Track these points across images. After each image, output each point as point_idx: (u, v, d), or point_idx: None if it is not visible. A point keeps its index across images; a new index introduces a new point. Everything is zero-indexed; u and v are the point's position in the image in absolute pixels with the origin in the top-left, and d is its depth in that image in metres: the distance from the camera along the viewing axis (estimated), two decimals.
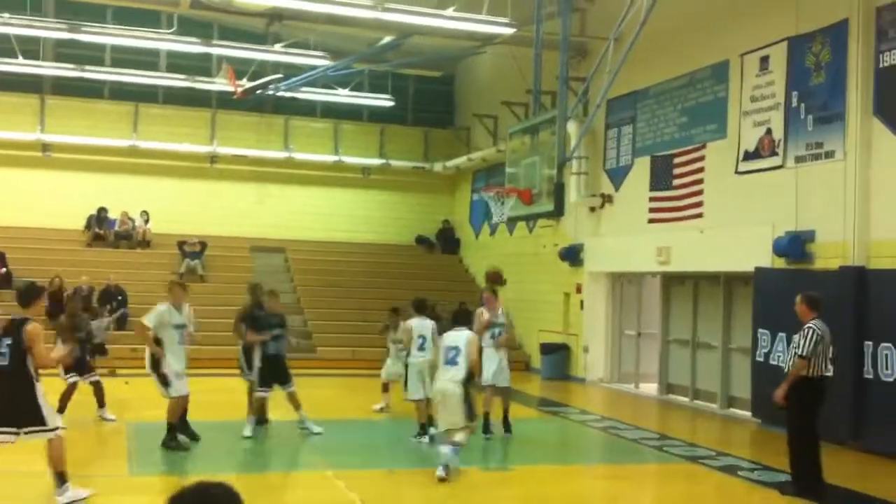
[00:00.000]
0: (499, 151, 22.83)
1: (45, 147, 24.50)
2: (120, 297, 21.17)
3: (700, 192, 16.30)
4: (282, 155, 26.21)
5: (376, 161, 27.11)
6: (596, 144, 19.74)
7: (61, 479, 7.97)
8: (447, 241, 27.62)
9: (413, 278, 25.07)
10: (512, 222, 22.40)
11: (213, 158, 25.84)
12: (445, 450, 9.65)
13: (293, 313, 21.50)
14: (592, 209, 19.73)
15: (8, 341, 7.81)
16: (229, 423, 12.34)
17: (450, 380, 9.81)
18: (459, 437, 9.73)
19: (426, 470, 10.73)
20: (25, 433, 7.82)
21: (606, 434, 13.71)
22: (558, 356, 20.71)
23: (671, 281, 17.99)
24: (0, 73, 23.61)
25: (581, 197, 19.68)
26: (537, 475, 10.61)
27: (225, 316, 20.86)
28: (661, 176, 17.41)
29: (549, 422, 15.22)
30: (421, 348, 11.89)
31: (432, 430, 11.45)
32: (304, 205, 26.49)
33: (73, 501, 7.94)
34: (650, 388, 18.24)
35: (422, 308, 12.31)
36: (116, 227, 24.40)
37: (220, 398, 14.42)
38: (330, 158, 26.70)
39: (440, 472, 9.48)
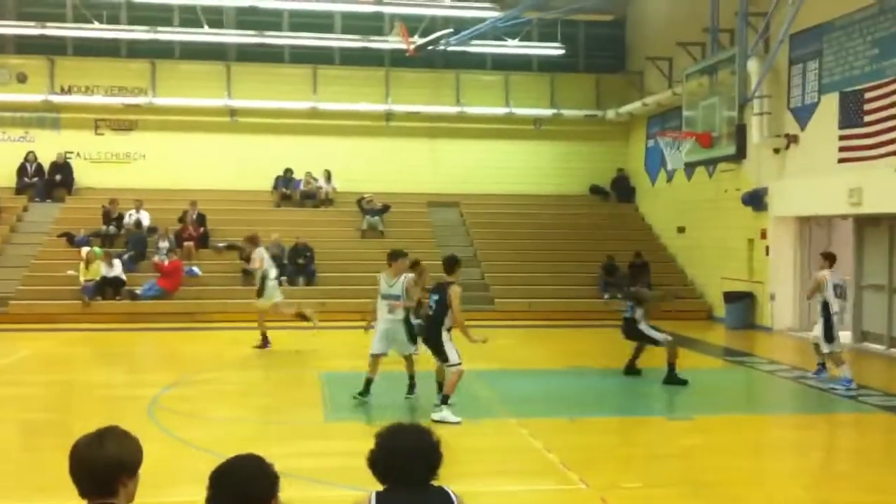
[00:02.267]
0: (674, 94, 22.17)
1: (233, 112, 25.77)
2: (308, 254, 22.17)
3: (895, 129, 15.27)
4: (454, 110, 26.43)
5: (547, 111, 26.88)
6: (779, 82, 18.80)
7: (444, 400, 10.16)
8: (622, 189, 27.16)
9: (588, 228, 24.93)
10: (690, 167, 21.83)
11: (389, 116, 26.40)
12: None
13: (470, 266, 21.84)
14: (776, 151, 18.86)
15: (436, 297, 10.27)
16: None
17: None
18: None
19: (607, 418, 10.76)
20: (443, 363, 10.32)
21: (796, 384, 13.25)
22: (742, 304, 20.08)
23: (864, 223, 17.04)
24: (188, 42, 25.09)
25: (764, 138, 18.84)
26: (722, 424, 10.43)
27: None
28: (852, 113, 16.41)
29: (735, 371, 14.85)
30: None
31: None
32: (477, 159, 26.66)
33: (444, 421, 9.75)
34: (842, 336, 17.37)
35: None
36: (301, 187, 25.45)
37: None
38: (501, 111, 26.71)
39: None
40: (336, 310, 19.26)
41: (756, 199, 19.55)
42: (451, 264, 10.66)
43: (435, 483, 3.49)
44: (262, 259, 16.29)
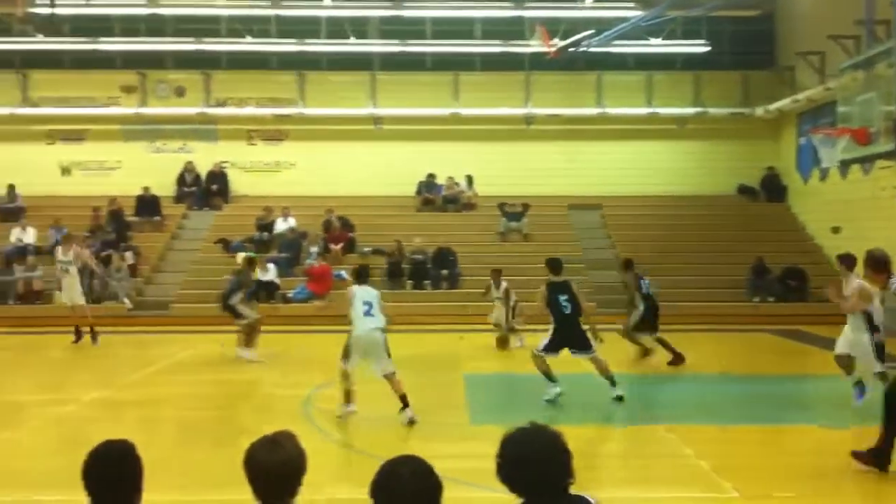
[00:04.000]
0: (827, 90, 21.30)
1: (377, 120, 26.42)
2: (451, 258, 22.49)
3: None
4: (594, 111, 26.23)
5: (691, 110, 26.32)
6: None
7: (613, 381, 11.27)
8: (772, 188, 26.25)
9: (736, 229, 24.23)
10: (845, 165, 20.89)
11: (529, 120, 26.45)
12: None
13: (611, 269, 21.63)
14: None
15: (565, 296, 11.29)
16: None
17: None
18: None
19: (758, 426, 10.47)
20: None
21: None
22: None
23: None
24: (335, 53, 25.89)
25: None
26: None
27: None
28: None
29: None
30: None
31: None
32: (618, 160, 26.34)
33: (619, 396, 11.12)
34: None
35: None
36: (444, 192, 25.83)
37: None
38: (643, 111, 26.33)
39: None
40: (478, 313, 19.40)
41: None
42: (560, 266, 11.91)
43: (573, 492, 3.28)
44: (82, 256, 17.35)
